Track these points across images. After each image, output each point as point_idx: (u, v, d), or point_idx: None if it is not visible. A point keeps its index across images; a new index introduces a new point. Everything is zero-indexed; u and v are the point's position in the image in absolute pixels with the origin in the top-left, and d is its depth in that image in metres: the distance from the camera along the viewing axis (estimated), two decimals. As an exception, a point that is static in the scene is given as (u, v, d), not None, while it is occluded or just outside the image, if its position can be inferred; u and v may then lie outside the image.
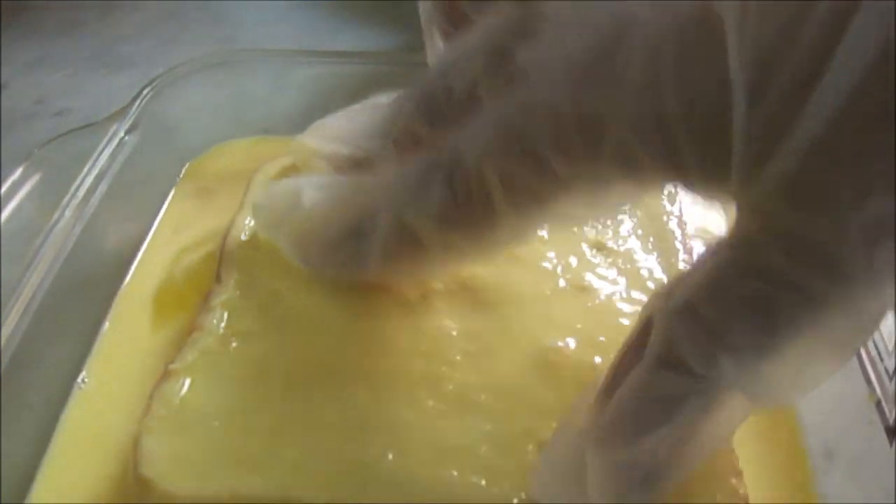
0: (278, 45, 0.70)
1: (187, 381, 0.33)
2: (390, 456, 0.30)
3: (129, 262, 0.43)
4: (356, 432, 0.31)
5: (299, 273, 0.37)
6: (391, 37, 0.70)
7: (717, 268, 0.22)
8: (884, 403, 0.32)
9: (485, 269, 0.37)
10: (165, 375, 0.33)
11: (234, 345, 0.34)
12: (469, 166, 0.27)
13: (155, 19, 0.75)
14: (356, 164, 0.35)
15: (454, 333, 0.35)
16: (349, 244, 0.32)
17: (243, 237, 0.40)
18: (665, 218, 0.42)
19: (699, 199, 0.24)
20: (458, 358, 0.34)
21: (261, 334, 0.35)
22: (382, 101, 0.35)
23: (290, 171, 0.44)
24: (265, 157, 0.47)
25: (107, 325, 0.40)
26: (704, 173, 0.22)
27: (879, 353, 0.33)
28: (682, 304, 0.22)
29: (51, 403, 0.36)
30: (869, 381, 0.32)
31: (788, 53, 0.19)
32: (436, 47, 0.36)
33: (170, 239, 0.45)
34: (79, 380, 0.37)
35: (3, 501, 0.32)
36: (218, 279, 0.38)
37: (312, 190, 0.34)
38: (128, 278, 0.43)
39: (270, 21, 0.75)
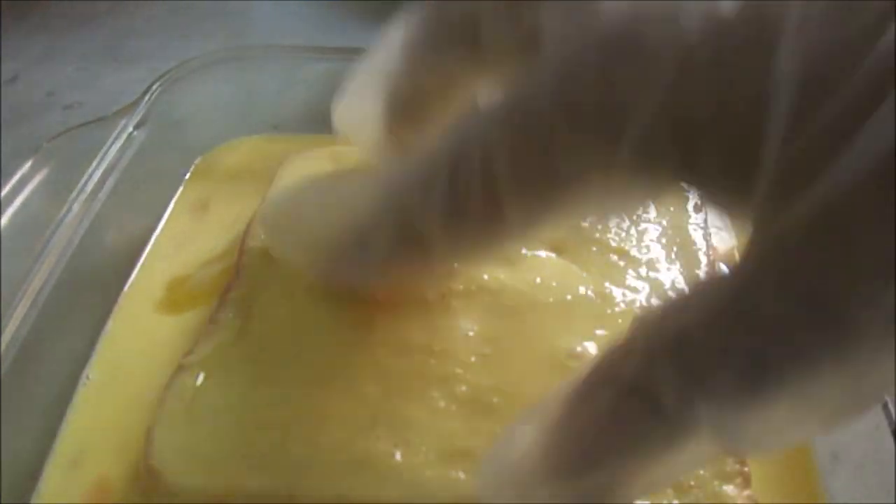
0: (288, 41, 0.69)
1: (201, 375, 0.33)
2: (399, 454, 0.30)
3: (137, 257, 0.44)
4: (366, 429, 0.31)
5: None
6: (401, 33, 0.70)
7: (716, 301, 0.20)
8: (890, 406, 0.31)
9: (505, 272, 0.37)
10: (179, 368, 0.33)
11: (248, 340, 0.34)
12: (474, 158, 0.24)
13: (166, 14, 0.75)
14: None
15: (470, 335, 0.35)
16: (353, 250, 0.29)
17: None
18: (690, 228, 0.41)
19: (715, 211, 0.22)
20: (473, 360, 0.33)
21: (276, 330, 0.35)
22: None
23: (317, 161, 0.45)
24: (274, 155, 0.47)
25: (113, 320, 0.40)
26: (726, 186, 0.20)
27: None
28: (673, 333, 0.20)
29: (57, 399, 0.36)
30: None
31: (850, 72, 0.17)
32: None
33: (177, 235, 0.45)
34: (84, 376, 0.37)
35: (7, 499, 0.32)
36: (236, 273, 0.38)
37: (314, 194, 0.32)
38: (135, 274, 0.43)
39: (280, 17, 0.75)
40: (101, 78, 0.66)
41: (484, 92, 0.29)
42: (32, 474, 0.33)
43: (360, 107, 0.34)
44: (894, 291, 0.16)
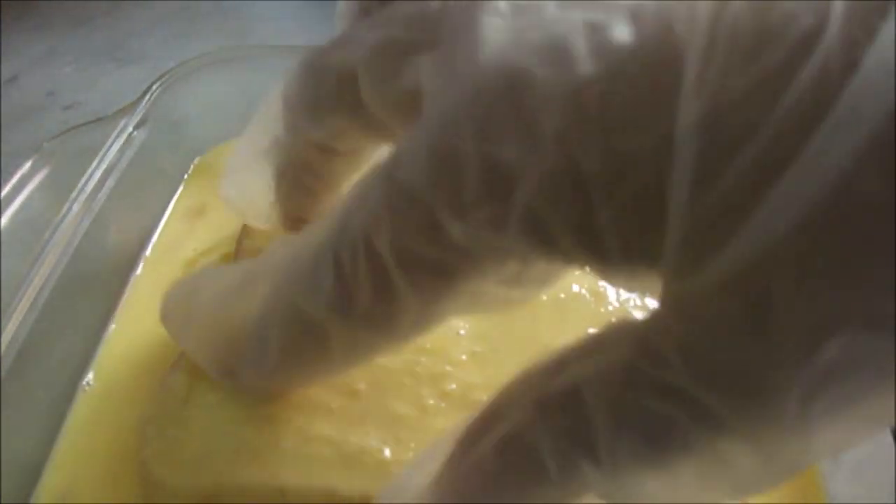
0: (288, 41, 0.70)
1: (193, 371, 0.33)
2: (388, 451, 0.30)
3: (137, 258, 0.44)
4: (356, 425, 0.31)
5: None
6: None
7: (618, 361, 0.18)
8: (890, 406, 0.31)
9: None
10: (174, 365, 0.33)
11: None
12: (357, 242, 0.21)
13: (166, 14, 0.75)
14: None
15: (462, 332, 0.35)
16: (250, 349, 0.27)
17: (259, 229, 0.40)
18: None
19: (621, 287, 0.20)
20: (464, 357, 0.34)
21: None
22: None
23: None
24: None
25: (114, 323, 0.40)
26: (626, 256, 0.18)
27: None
28: (567, 387, 0.19)
29: (57, 400, 0.36)
30: (876, 384, 0.32)
31: (762, 119, 0.15)
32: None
33: (178, 235, 0.45)
34: (85, 380, 0.37)
35: (7, 499, 0.32)
36: None
37: (210, 282, 0.29)
38: (136, 275, 0.43)
39: (280, 17, 0.75)
40: (101, 78, 0.66)
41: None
42: (32, 478, 0.33)
43: (247, 182, 0.31)
44: (815, 363, 0.15)
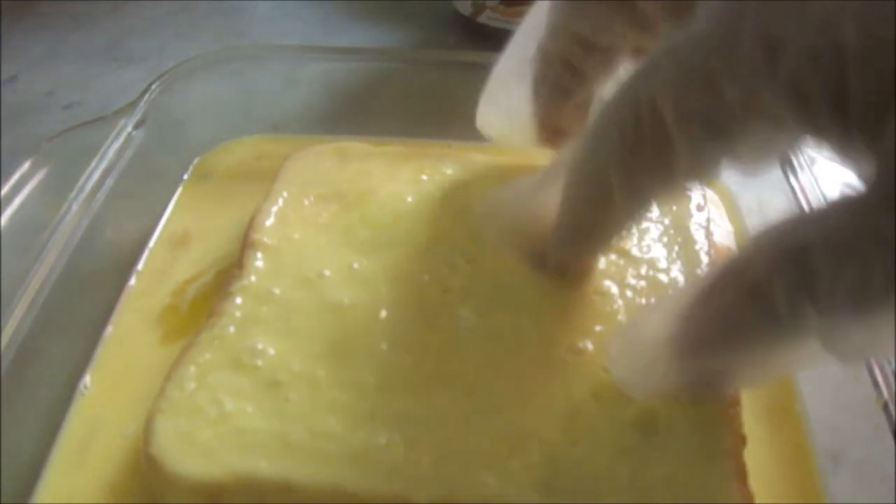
0: (288, 41, 0.70)
1: (202, 365, 0.33)
2: (395, 448, 0.30)
3: (136, 258, 0.44)
4: (365, 422, 0.31)
5: (321, 263, 0.38)
6: (400, 33, 0.70)
7: (844, 223, 0.22)
8: (890, 406, 0.31)
9: (506, 270, 0.37)
10: (181, 359, 0.34)
11: (250, 331, 0.35)
12: (641, 105, 0.26)
13: (165, 14, 0.75)
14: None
15: (470, 331, 0.35)
16: (558, 224, 0.33)
17: (267, 223, 0.40)
18: (692, 227, 0.41)
19: (841, 153, 0.23)
20: (472, 355, 0.34)
21: (277, 322, 0.35)
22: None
23: (323, 155, 0.45)
24: (273, 155, 0.47)
25: (111, 326, 0.40)
26: (866, 116, 0.21)
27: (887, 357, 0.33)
28: (795, 246, 0.23)
29: (57, 400, 0.36)
30: (876, 384, 0.32)
31: None
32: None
33: (177, 238, 0.46)
34: (82, 382, 0.37)
35: (7, 499, 0.32)
36: (239, 265, 0.38)
37: (512, 187, 0.36)
38: (134, 277, 0.43)
39: (280, 17, 0.75)
40: (100, 78, 0.66)
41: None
42: (32, 474, 0.33)
43: (507, 98, 0.37)
44: None
